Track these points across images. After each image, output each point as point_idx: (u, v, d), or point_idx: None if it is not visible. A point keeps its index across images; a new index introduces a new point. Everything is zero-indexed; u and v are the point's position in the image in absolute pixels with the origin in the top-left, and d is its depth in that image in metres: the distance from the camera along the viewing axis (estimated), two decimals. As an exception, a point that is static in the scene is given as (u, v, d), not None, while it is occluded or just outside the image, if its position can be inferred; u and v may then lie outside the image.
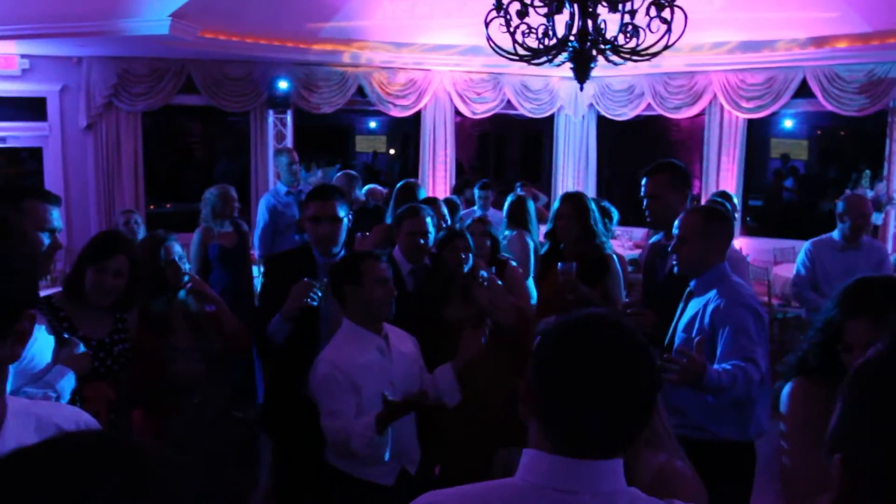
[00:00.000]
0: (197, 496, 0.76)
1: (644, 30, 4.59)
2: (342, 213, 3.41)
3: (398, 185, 5.78)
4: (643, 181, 3.69)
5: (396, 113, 9.47)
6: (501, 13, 4.53)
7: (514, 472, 1.30)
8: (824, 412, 2.08)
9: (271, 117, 8.90)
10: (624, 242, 8.64)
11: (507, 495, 1.26)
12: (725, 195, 6.45)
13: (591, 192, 9.87)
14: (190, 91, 8.47)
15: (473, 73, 9.63)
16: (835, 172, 12.51)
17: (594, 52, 4.65)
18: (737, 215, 7.16)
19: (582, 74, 4.77)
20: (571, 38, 4.62)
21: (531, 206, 5.71)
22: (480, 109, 9.85)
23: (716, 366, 2.72)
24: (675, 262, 3.16)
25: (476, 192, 6.84)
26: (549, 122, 10.61)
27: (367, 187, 6.91)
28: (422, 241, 3.91)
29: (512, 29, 4.64)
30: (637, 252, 7.78)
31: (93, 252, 2.97)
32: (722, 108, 9.26)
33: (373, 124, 14.19)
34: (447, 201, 5.84)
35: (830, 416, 2.07)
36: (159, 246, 3.28)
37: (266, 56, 8.29)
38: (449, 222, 4.87)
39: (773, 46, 8.34)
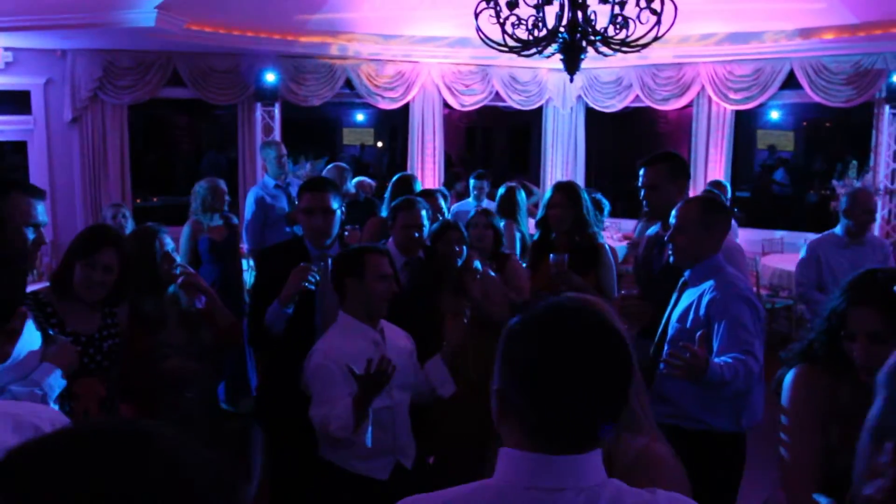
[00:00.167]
0: (207, 478, 0.78)
1: (634, 21, 4.60)
2: (335, 205, 3.40)
3: (395, 177, 5.77)
4: (641, 171, 3.66)
5: (385, 105, 9.44)
6: (491, 4, 4.52)
7: None
8: (826, 400, 2.10)
9: (259, 110, 8.85)
10: (613, 234, 8.66)
11: (487, 497, 1.23)
12: (719, 185, 6.44)
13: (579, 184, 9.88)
14: (176, 84, 8.40)
15: (462, 66, 9.61)
16: (820, 163, 12.60)
17: (584, 44, 4.65)
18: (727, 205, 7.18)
19: (572, 66, 4.77)
20: (561, 29, 4.61)
21: (522, 197, 5.71)
22: (469, 102, 9.83)
23: (716, 359, 2.71)
24: (670, 252, 3.14)
25: (471, 182, 6.81)
26: (537, 114, 10.61)
27: (355, 180, 6.88)
28: (416, 235, 3.91)
29: (502, 20, 4.63)
30: (626, 244, 7.80)
31: (81, 246, 2.90)
32: (710, 99, 9.28)
33: (360, 117, 14.16)
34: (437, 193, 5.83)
35: (832, 404, 2.09)
36: (153, 238, 3.24)
37: (253, 48, 8.23)
38: (446, 214, 4.86)
39: (761, 38, 8.37)
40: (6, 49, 7.70)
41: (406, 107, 9.68)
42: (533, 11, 4.56)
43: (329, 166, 6.67)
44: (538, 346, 1.25)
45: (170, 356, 3.15)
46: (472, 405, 3.43)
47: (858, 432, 1.89)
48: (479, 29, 4.66)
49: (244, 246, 6.43)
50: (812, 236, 8.77)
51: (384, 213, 5.02)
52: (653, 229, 3.82)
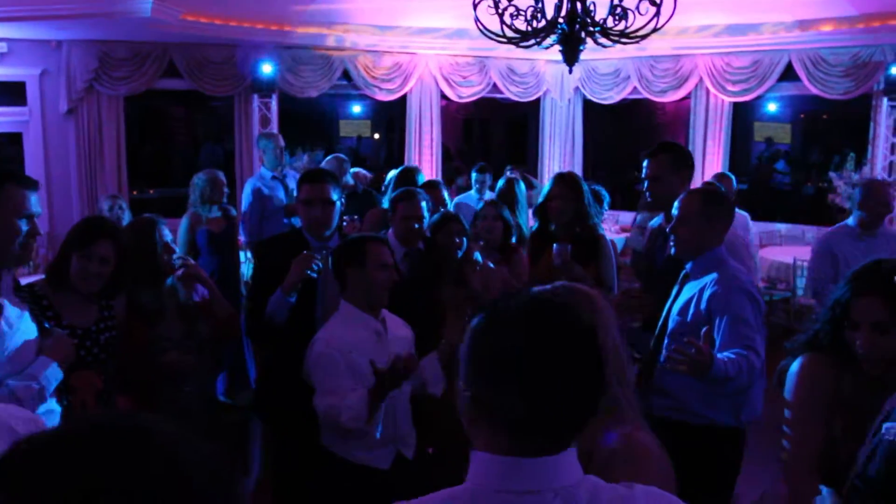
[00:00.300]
0: (206, 473, 0.77)
1: (633, 12, 4.58)
2: (335, 196, 3.39)
3: (398, 169, 5.76)
4: (644, 163, 3.63)
5: (382, 97, 9.41)
6: (490, -6, 4.50)
7: None
8: (830, 391, 2.10)
9: (256, 101, 8.82)
10: (611, 226, 8.66)
11: None
12: (724, 177, 6.35)
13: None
14: (173, 75, 8.36)
15: (459, 57, 9.58)
16: (817, 156, 12.60)
17: (583, 35, 4.63)
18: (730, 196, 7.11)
19: (571, 57, 4.75)
20: (560, 20, 4.59)
21: (521, 189, 5.69)
22: (466, 93, 9.81)
23: (719, 355, 2.69)
24: (672, 244, 3.11)
25: (473, 175, 6.77)
26: (535, 105, 10.59)
27: (351, 171, 6.86)
28: (416, 226, 3.89)
29: (500, 11, 4.60)
30: (624, 236, 7.79)
31: (78, 238, 2.89)
32: (708, 91, 9.27)
33: (357, 109, 14.11)
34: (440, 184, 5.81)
35: (836, 395, 2.08)
36: (152, 229, 3.22)
37: (249, 39, 8.19)
38: (449, 206, 4.84)
39: (759, 30, 8.36)
40: (1, 40, 7.65)
41: (403, 98, 9.65)
42: (532, 2, 4.55)
43: (328, 158, 6.66)
44: (507, 342, 1.20)
45: (168, 349, 3.13)
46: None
47: (861, 423, 1.89)
48: (477, 19, 4.64)
49: (241, 238, 6.41)
50: (809, 228, 8.89)
51: (385, 205, 5.01)
52: (656, 221, 3.79)
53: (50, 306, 2.82)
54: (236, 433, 3.51)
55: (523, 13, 4.62)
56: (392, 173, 6.68)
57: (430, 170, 9.78)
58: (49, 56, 7.93)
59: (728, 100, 9.19)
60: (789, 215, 9.67)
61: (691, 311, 2.95)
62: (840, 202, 7.34)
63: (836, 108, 10.40)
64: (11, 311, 2.39)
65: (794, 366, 2.22)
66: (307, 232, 3.43)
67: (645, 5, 4.43)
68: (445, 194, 5.09)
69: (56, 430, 0.77)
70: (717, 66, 9.04)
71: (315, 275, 3.21)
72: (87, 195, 8.11)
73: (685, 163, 3.65)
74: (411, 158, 9.71)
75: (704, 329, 2.66)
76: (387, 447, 2.93)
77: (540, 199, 4.25)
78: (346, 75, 9.11)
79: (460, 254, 3.83)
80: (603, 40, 4.69)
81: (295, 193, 4.79)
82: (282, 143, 6.47)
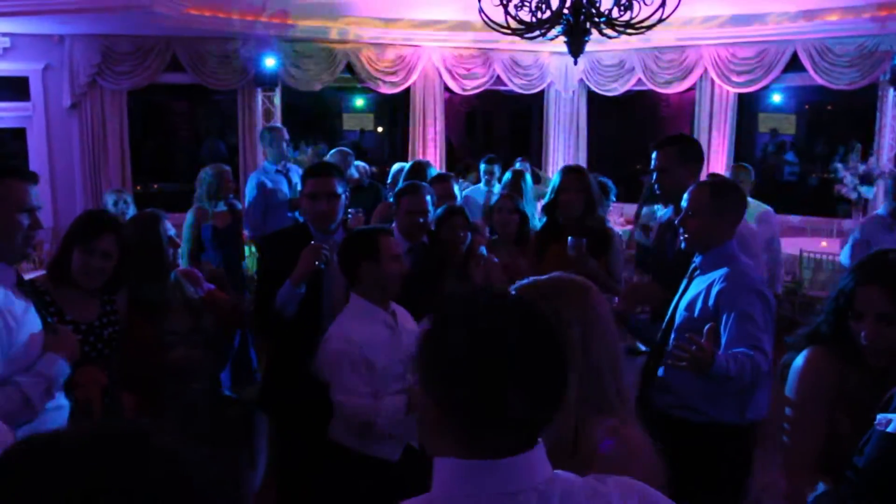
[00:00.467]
0: (207, 476, 0.76)
1: (638, 2, 4.56)
2: (340, 189, 3.38)
3: (408, 164, 5.74)
4: (653, 154, 3.58)
5: (386, 90, 9.38)
6: (495, -15, 4.48)
7: None
8: (833, 386, 2.08)
9: (259, 95, 8.80)
10: (616, 218, 8.63)
11: None
12: (742, 168, 6.22)
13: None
14: (175, 69, 8.34)
15: (463, 49, 9.55)
16: (822, 147, 12.54)
17: (588, 26, 4.60)
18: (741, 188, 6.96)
19: (576, 49, 4.72)
20: (565, 11, 4.56)
21: (528, 180, 5.66)
22: (470, 86, 9.78)
23: (722, 354, 2.64)
24: (681, 237, 3.04)
25: (482, 167, 6.71)
26: (538, 97, 10.55)
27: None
28: (421, 220, 3.87)
29: (505, 2, 4.58)
30: (628, 228, 7.76)
31: (79, 232, 2.86)
32: (712, 82, 9.22)
33: (360, 102, 14.08)
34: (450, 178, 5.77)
35: (840, 390, 2.06)
36: (157, 224, 3.20)
37: (252, 32, 8.16)
38: (459, 200, 4.82)
39: (764, 20, 8.31)
40: (3, 35, 7.64)
41: (406, 92, 9.62)
42: (536, -7, 4.52)
43: (332, 151, 6.64)
44: (467, 341, 1.15)
45: (177, 345, 3.12)
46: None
47: (865, 417, 1.87)
48: (482, 10, 4.61)
49: (245, 232, 6.40)
50: (816, 220, 8.86)
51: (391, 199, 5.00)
52: (666, 214, 3.75)
53: (52, 302, 2.80)
54: (242, 427, 3.50)
55: (528, 4, 4.60)
56: (396, 166, 6.66)
57: (434, 162, 9.75)
58: (52, 51, 7.91)
59: (733, 91, 9.15)
60: (794, 206, 9.62)
61: (698, 306, 2.90)
62: (846, 193, 7.29)
63: (840, 98, 10.35)
64: (17, 305, 2.38)
65: (798, 360, 2.18)
66: (312, 226, 3.42)
67: (650, -5, 4.41)
68: (456, 188, 5.05)
69: (56, 432, 0.76)
70: (721, 57, 8.99)
71: (324, 266, 3.20)
72: (91, 190, 8.11)
73: (694, 155, 3.60)
74: (415, 152, 9.69)
75: (708, 326, 2.61)
76: (397, 439, 2.93)
77: (548, 193, 4.17)
78: (349, 68, 9.08)
79: (464, 248, 3.81)
80: (608, 31, 4.66)
81: (299, 187, 4.77)
82: (286, 136, 6.46)
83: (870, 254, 2.13)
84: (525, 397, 1.14)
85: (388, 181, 6.41)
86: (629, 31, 4.60)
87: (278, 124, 8.10)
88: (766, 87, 9.34)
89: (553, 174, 4.44)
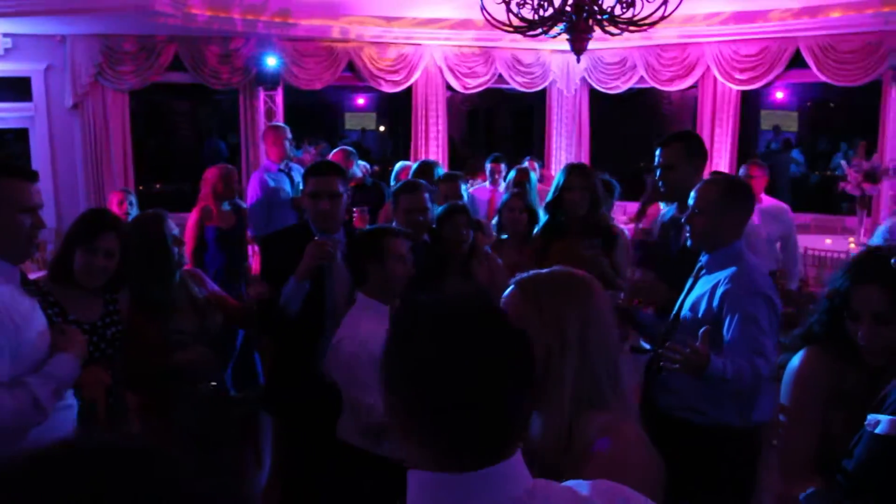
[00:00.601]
0: (210, 492, 0.75)
1: (641, -1, 4.55)
2: (341, 188, 3.37)
3: (417, 163, 5.73)
4: (657, 151, 3.55)
5: (387, 88, 9.37)
6: (496, -17, 4.47)
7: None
8: (830, 386, 2.06)
9: (261, 94, 8.79)
10: (618, 216, 8.61)
11: None
12: (757, 166, 6.14)
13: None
14: (177, 69, 8.34)
15: (464, 48, 9.53)
16: (824, 144, 12.53)
17: (591, 23, 4.60)
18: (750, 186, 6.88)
19: (579, 46, 4.72)
20: (567, 8, 4.56)
21: (534, 179, 5.65)
22: (472, 84, 9.76)
23: (721, 357, 2.59)
24: (688, 235, 2.99)
25: (487, 165, 6.67)
26: (540, 96, 10.53)
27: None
28: (420, 219, 3.85)
29: None
30: (631, 226, 7.73)
31: (81, 231, 2.85)
32: (715, 80, 9.20)
33: (361, 101, 14.08)
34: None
35: (836, 390, 2.04)
36: (162, 223, 3.20)
37: (254, 31, 8.16)
38: (465, 200, 4.79)
39: (767, 16, 8.28)
40: (5, 35, 7.64)
41: (408, 91, 9.61)
42: (538, -10, 4.51)
43: (335, 150, 6.63)
44: (433, 347, 1.10)
45: (184, 345, 3.11)
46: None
47: (861, 418, 1.85)
48: (484, 8, 4.61)
49: (248, 231, 6.39)
50: (820, 217, 8.82)
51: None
52: (670, 211, 3.74)
53: (56, 302, 2.79)
54: (246, 428, 3.50)
55: (530, 2, 4.59)
56: (399, 165, 6.65)
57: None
58: (54, 51, 7.91)
59: (735, 88, 9.12)
60: (798, 204, 9.60)
61: (703, 307, 2.85)
62: (850, 191, 7.26)
63: (842, 95, 10.33)
64: (23, 303, 2.37)
65: (794, 361, 2.15)
66: (313, 224, 3.41)
67: (653, -8, 4.40)
68: (463, 188, 5.03)
69: (52, 449, 0.73)
70: (724, 54, 8.97)
71: (327, 262, 3.20)
72: (94, 190, 8.10)
73: (698, 151, 3.57)
74: (417, 150, 9.68)
75: (703, 329, 2.55)
76: None
77: (551, 191, 4.12)
78: (350, 67, 9.07)
79: (467, 246, 3.80)
80: (611, 28, 4.66)
81: (301, 186, 4.77)
82: (289, 135, 6.45)
83: (863, 252, 2.09)
84: (490, 408, 1.09)
85: (392, 180, 6.40)
86: (632, 28, 4.60)
87: (282, 123, 8.10)
88: (768, 84, 9.32)
89: (556, 172, 4.41)
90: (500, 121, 14.80)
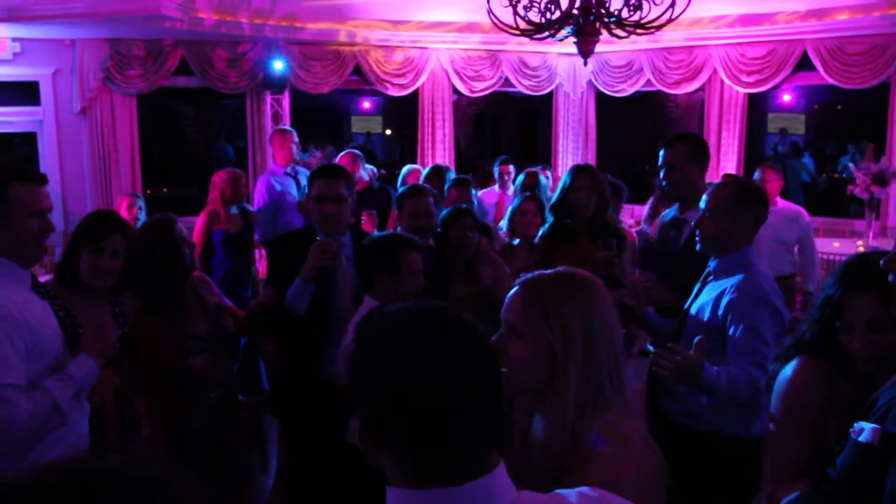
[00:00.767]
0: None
1: (648, 2, 4.54)
2: (347, 192, 3.37)
3: (428, 168, 5.73)
4: (661, 152, 3.54)
5: (394, 92, 9.37)
6: (503, -14, 4.47)
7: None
8: (823, 397, 2.04)
9: (268, 98, 8.81)
10: (626, 219, 8.60)
11: None
12: (772, 169, 6.09)
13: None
14: (185, 73, 8.36)
15: (471, 51, 9.53)
16: (832, 147, 12.48)
17: (598, 26, 4.59)
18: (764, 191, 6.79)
19: (585, 49, 4.71)
20: (574, 11, 4.55)
21: (542, 181, 5.65)
22: (479, 87, 9.75)
23: (716, 367, 2.56)
24: (697, 238, 2.95)
25: (495, 168, 6.65)
26: (547, 99, 10.53)
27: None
28: (425, 222, 3.86)
29: (514, 2, 4.57)
30: (638, 229, 7.71)
31: (87, 233, 2.85)
32: (721, 82, 9.17)
33: (367, 105, 14.10)
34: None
35: (829, 400, 2.02)
36: (172, 227, 3.20)
37: (261, 35, 8.18)
38: (475, 204, 4.79)
39: (774, 19, 8.26)
40: (14, 39, 7.66)
41: (414, 94, 9.61)
42: (545, -6, 4.51)
43: (342, 153, 6.64)
44: (427, 358, 1.07)
45: (199, 348, 3.11)
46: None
47: (852, 426, 1.84)
48: (490, 11, 4.61)
49: (256, 235, 6.40)
50: (829, 220, 8.77)
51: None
52: (670, 212, 3.73)
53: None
54: (253, 431, 3.50)
55: (537, 5, 4.59)
56: (406, 169, 6.66)
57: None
58: (62, 55, 7.93)
59: (742, 91, 9.10)
60: (806, 207, 9.55)
61: (708, 313, 2.82)
62: (859, 194, 7.21)
63: (850, 98, 10.30)
64: (38, 306, 2.38)
65: (787, 370, 2.12)
66: (318, 228, 3.41)
67: (660, -5, 4.40)
68: (474, 192, 5.02)
69: (57, 466, 0.71)
70: (731, 57, 8.94)
71: (332, 263, 3.19)
72: (103, 194, 8.12)
73: (702, 153, 3.58)
74: (424, 154, 9.69)
75: (697, 339, 2.52)
76: None
77: (557, 192, 4.11)
78: (357, 71, 9.09)
79: (471, 249, 3.79)
80: (618, 31, 4.65)
81: (307, 190, 4.77)
82: (296, 139, 6.46)
83: (852, 259, 2.06)
84: (466, 418, 1.07)
85: (399, 183, 6.41)
86: (639, 31, 4.59)
87: (289, 127, 8.12)
88: (775, 87, 9.29)
89: (562, 175, 4.40)
90: (507, 124, 14.80)
